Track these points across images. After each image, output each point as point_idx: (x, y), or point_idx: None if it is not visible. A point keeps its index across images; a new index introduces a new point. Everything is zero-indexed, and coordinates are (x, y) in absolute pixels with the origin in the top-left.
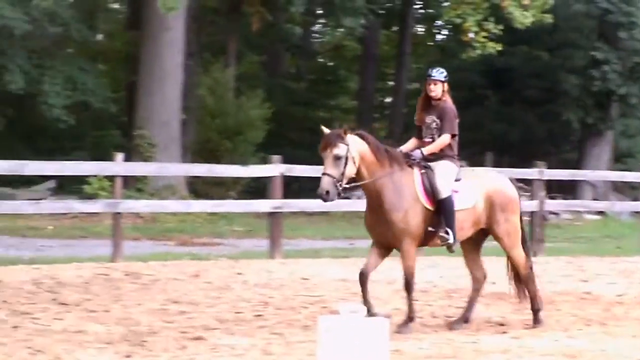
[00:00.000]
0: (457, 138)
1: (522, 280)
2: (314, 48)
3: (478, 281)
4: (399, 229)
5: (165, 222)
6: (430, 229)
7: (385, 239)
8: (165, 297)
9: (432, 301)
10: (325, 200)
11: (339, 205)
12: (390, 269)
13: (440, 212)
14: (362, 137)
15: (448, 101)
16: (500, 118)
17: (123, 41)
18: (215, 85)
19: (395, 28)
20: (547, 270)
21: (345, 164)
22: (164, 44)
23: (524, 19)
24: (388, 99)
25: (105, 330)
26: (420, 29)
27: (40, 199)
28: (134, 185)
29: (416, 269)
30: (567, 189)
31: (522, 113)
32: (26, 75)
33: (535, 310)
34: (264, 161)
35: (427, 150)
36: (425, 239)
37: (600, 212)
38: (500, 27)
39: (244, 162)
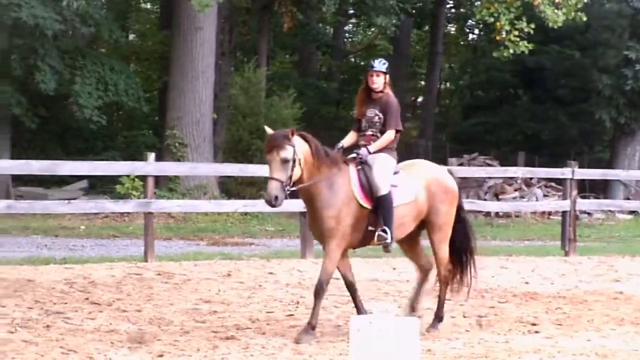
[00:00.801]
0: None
1: (439, 279)
2: (345, 47)
3: (424, 270)
4: (327, 228)
5: (197, 222)
6: (370, 228)
7: (318, 239)
8: (197, 296)
9: (463, 300)
10: (273, 206)
11: None
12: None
13: (378, 209)
14: (304, 138)
15: (391, 94)
16: (532, 117)
17: (155, 41)
18: (247, 85)
19: (426, 27)
20: (579, 269)
21: (293, 167)
22: (195, 44)
23: (556, 17)
24: (420, 99)
25: (138, 330)
26: (452, 28)
27: (73, 199)
28: (166, 185)
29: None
30: (599, 189)
31: (554, 112)
32: (58, 76)
33: (438, 318)
34: None
35: (373, 147)
36: (365, 239)
37: (632, 212)
38: (532, 26)
39: None
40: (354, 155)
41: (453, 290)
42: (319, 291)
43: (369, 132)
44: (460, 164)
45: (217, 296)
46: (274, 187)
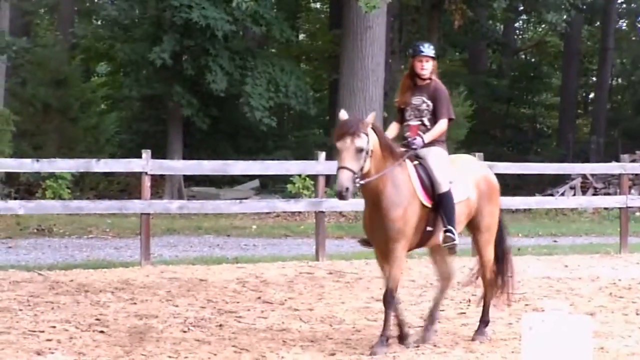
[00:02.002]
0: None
1: (484, 283)
2: (515, 44)
3: (444, 277)
4: (395, 229)
5: None
6: (429, 228)
7: (383, 242)
8: (369, 295)
9: (636, 298)
10: (343, 198)
11: (541, 202)
12: (591, 266)
13: (440, 208)
14: (374, 128)
15: (439, 82)
16: None
17: (325, 40)
18: None
19: (597, 23)
20: None
21: (365, 157)
22: (365, 43)
23: None
24: (591, 95)
25: (309, 329)
26: (623, 24)
27: (244, 199)
28: None
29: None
30: None
31: None
32: (228, 76)
33: (484, 322)
34: None
35: (427, 137)
36: (422, 241)
37: None
38: None
39: None
40: (406, 144)
41: (494, 294)
42: (389, 300)
43: (415, 122)
44: (633, 160)
45: None
46: (345, 178)
